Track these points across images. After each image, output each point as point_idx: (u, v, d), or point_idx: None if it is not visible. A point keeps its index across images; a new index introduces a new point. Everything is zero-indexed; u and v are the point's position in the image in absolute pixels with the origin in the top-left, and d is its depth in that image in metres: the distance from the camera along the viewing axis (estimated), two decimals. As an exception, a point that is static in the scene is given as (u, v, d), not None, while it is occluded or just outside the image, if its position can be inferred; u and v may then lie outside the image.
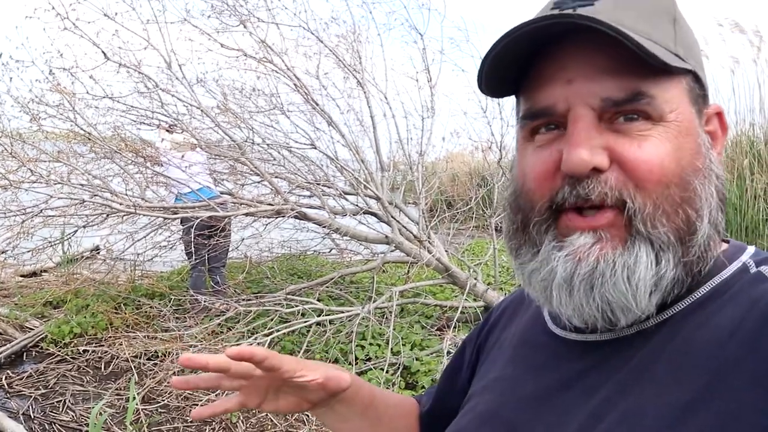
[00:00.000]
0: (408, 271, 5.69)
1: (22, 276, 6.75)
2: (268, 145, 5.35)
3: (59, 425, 3.61)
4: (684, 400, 0.53)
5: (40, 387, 4.07)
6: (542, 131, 0.63)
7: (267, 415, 3.70)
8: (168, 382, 3.99)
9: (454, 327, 4.55)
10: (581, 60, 0.59)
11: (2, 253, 6.79)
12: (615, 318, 0.59)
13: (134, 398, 3.56)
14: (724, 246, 0.66)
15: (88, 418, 3.46)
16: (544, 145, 0.62)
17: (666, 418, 0.53)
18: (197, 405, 3.75)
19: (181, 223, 5.42)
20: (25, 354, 4.64)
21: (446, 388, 0.93)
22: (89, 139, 5.08)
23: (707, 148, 0.62)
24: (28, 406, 3.80)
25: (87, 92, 4.91)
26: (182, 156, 5.23)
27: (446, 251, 5.27)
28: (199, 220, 4.70)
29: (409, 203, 6.57)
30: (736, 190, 6.31)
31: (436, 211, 6.80)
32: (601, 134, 0.58)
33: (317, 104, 5.19)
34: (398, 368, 4.12)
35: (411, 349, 4.43)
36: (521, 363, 0.74)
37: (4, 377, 4.16)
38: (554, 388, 0.66)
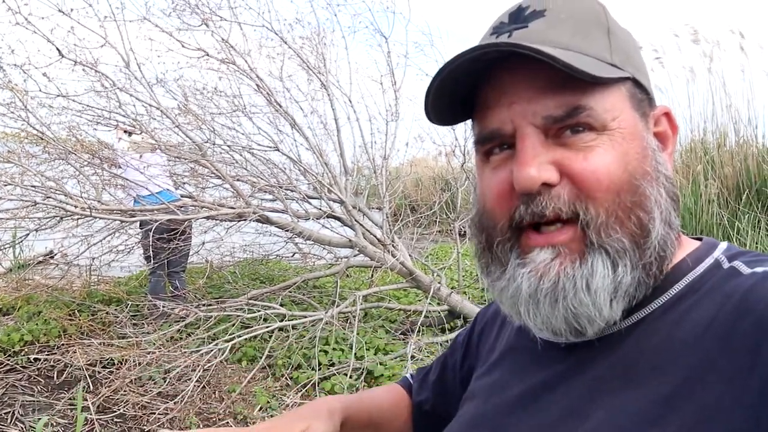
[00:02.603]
0: (372, 276, 5.65)
1: (-31, 282, 6.50)
2: (229, 147, 5.25)
3: (8, 437, 3.46)
4: (663, 395, 0.54)
5: (-12, 397, 3.90)
6: (496, 152, 0.65)
7: (228, 422, 3.61)
8: (124, 391, 3.87)
9: (418, 331, 4.53)
10: (520, 82, 0.61)
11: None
12: (581, 328, 0.61)
13: (82, 409, 3.44)
14: (697, 244, 0.67)
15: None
16: (499, 166, 0.65)
17: (647, 414, 0.54)
18: (154, 414, 3.64)
19: (140, 226, 5.28)
20: (-28, 363, 4.45)
21: (438, 384, 0.98)
22: (42, 139, 4.90)
23: (654, 150, 0.64)
24: (-25, 418, 3.64)
25: (40, 90, 4.75)
26: (140, 157, 5.10)
27: (410, 255, 5.25)
28: (158, 223, 4.58)
29: (372, 207, 6.54)
30: (692, 195, 6.45)
31: (400, 215, 6.79)
32: (548, 150, 0.60)
33: (280, 106, 5.12)
34: (362, 373, 4.08)
35: (375, 354, 4.40)
36: (508, 367, 0.76)
37: (-51, 387, 3.97)
38: (538, 390, 0.67)
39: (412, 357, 4.04)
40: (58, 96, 4.80)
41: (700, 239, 0.69)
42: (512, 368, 0.75)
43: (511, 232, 0.63)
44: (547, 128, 0.60)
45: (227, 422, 3.61)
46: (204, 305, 4.72)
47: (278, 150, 5.28)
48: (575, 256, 0.60)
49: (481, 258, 0.69)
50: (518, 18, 0.64)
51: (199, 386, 3.88)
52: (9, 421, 3.64)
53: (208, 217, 5.19)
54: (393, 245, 5.04)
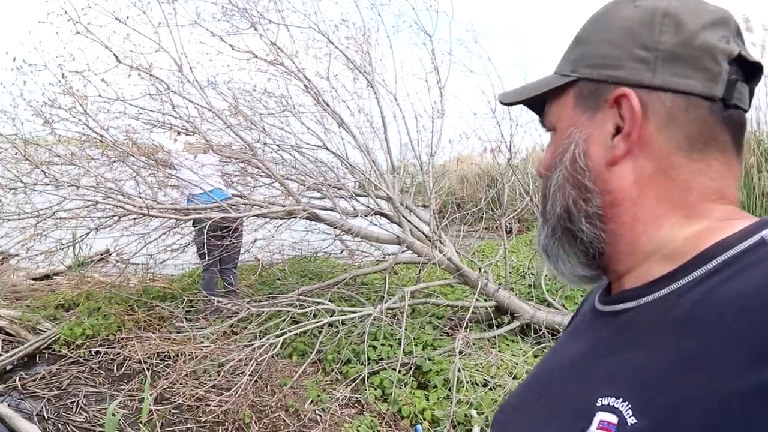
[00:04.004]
0: (419, 272, 5.68)
1: (34, 279, 6.78)
2: (278, 146, 5.36)
3: (73, 426, 3.63)
4: (685, 357, 0.57)
5: (53, 388, 4.09)
6: None
7: (280, 415, 3.70)
8: (181, 383, 4.01)
9: (466, 326, 4.54)
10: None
11: (15, 255, 6.85)
12: (559, 273, 0.79)
13: (148, 399, 3.58)
14: (747, 222, 0.68)
15: (101, 418, 3.48)
16: None
17: (669, 372, 0.58)
18: (210, 406, 3.76)
19: (193, 224, 5.44)
20: (38, 356, 4.66)
21: None
22: (101, 141, 5.10)
23: (582, 140, 0.73)
24: (42, 407, 3.82)
25: (99, 95, 4.94)
26: (194, 157, 5.25)
27: (457, 252, 5.26)
28: (211, 221, 4.71)
29: (419, 204, 6.56)
30: (744, 189, 6.27)
31: (447, 212, 6.79)
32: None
33: (327, 105, 5.20)
34: (410, 368, 4.12)
35: (423, 349, 4.43)
36: (570, 335, 0.85)
37: (17, 378, 4.18)
38: (584, 354, 0.74)
39: (460, 352, 4.06)
40: (115, 100, 4.98)
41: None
42: (572, 336, 0.84)
43: None
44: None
45: (279, 415, 3.71)
46: (255, 301, 4.83)
47: (326, 149, 5.36)
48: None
49: None
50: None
51: (251, 380, 3.98)
52: (74, 410, 3.82)
53: (259, 215, 5.30)
54: (440, 241, 5.07)
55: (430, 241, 4.97)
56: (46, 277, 6.97)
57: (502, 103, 0.84)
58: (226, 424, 3.62)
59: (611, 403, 0.61)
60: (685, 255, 0.66)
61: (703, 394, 0.54)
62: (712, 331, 0.57)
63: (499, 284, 5.06)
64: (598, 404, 0.62)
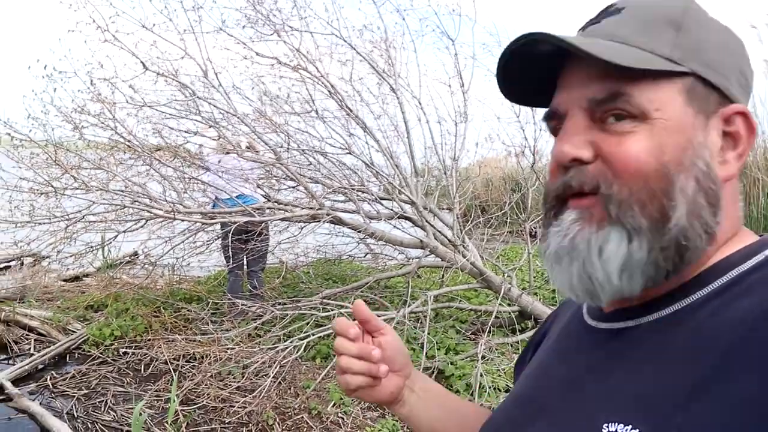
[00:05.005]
0: (442, 276, 5.68)
1: (64, 280, 6.92)
2: (303, 150, 5.41)
3: (101, 425, 3.70)
4: (692, 382, 0.56)
5: (83, 387, 4.18)
6: (558, 134, 0.71)
7: (303, 417, 3.73)
8: (206, 384, 4.06)
9: (489, 331, 4.53)
10: (578, 70, 0.68)
11: (47, 257, 7.00)
12: (594, 292, 0.65)
13: (174, 400, 3.64)
14: (752, 239, 0.68)
15: (129, 418, 3.55)
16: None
17: (678, 396, 0.56)
18: (234, 407, 3.80)
19: (221, 227, 5.51)
20: (68, 356, 4.77)
21: None
22: (129, 147, 5.20)
23: (700, 145, 0.65)
24: (72, 406, 3.91)
25: (126, 101, 5.04)
26: (219, 162, 5.32)
27: (481, 256, 5.26)
28: (236, 225, 4.78)
29: (443, 208, 6.57)
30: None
31: (470, 216, 6.78)
32: (590, 132, 0.66)
33: (351, 110, 5.23)
34: (433, 372, 4.13)
35: (446, 354, 4.43)
36: (557, 352, 0.80)
37: (48, 378, 4.28)
38: (580, 372, 0.70)
39: (483, 357, 4.06)
40: (142, 106, 5.07)
41: (761, 236, 0.70)
42: (560, 352, 0.79)
43: (556, 201, 0.69)
44: (593, 111, 0.65)
45: (302, 417, 3.74)
46: (280, 304, 4.88)
47: (350, 152, 5.39)
48: (594, 222, 0.64)
49: (542, 228, 0.75)
50: (601, 14, 0.70)
51: (275, 382, 4.02)
52: (102, 409, 3.90)
53: (283, 219, 5.36)
54: (463, 246, 5.07)
55: (453, 245, 4.97)
56: (76, 278, 7.11)
57: (564, 46, 0.64)
58: (250, 425, 3.66)
59: (619, 430, 0.59)
60: (687, 272, 0.65)
61: (725, 417, 0.52)
62: (727, 352, 0.55)
63: (522, 289, 5.05)
64: (604, 430, 0.60)
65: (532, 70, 0.71)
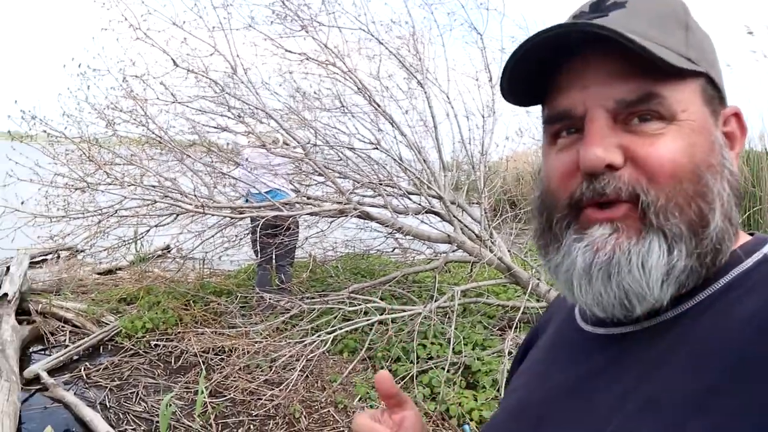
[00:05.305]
0: (471, 271, 5.66)
1: (99, 273, 7.06)
2: (331, 145, 5.43)
3: (133, 415, 3.78)
4: (704, 386, 0.54)
5: (115, 378, 4.27)
6: (563, 135, 0.67)
7: (329, 410, 3.76)
8: (234, 377, 4.12)
9: (516, 327, 4.50)
10: (596, 67, 0.64)
11: (82, 251, 7.17)
12: (631, 306, 0.62)
13: (203, 392, 3.70)
14: (747, 238, 0.67)
15: (159, 409, 3.61)
16: (565, 148, 0.67)
17: (689, 401, 0.55)
18: (261, 400, 3.85)
19: (251, 222, 5.57)
20: (101, 347, 4.87)
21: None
22: (160, 142, 5.29)
23: (721, 146, 0.65)
24: (105, 396, 4.00)
25: (158, 98, 5.12)
26: (246, 159, 5.38)
27: (509, 251, 5.22)
28: (264, 220, 4.82)
29: (473, 203, 6.53)
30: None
31: (500, 210, 6.74)
32: (616, 134, 0.62)
33: (379, 105, 5.23)
34: (459, 368, 4.12)
35: (472, 349, 4.42)
36: (552, 359, 0.77)
37: (82, 368, 4.38)
38: (581, 380, 0.68)
39: (509, 353, 4.03)
40: (173, 102, 5.15)
41: (752, 234, 0.69)
42: (555, 360, 0.76)
43: (570, 210, 0.65)
44: (617, 113, 0.62)
45: (328, 410, 3.77)
46: (307, 298, 4.92)
47: (378, 148, 5.40)
48: (632, 233, 0.61)
49: (540, 238, 0.70)
50: (599, 8, 0.66)
51: (302, 375, 4.06)
52: (134, 400, 3.98)
53: (311, 214, 5.39)
54: (491, 240, 5.04)
55: (480, 240, 4.95)
56: (110, 272, 7.25)
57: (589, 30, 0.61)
58: (277, 418, 3.71)
59: None
60: None
61: (739, 423, 0.51)
62: (737, 355, 0.54)
63: (551, 285, 5.00)
64: None
65: (524, 69, 0.67)
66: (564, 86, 0.66)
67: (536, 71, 0.67)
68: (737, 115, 0.69)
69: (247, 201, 5.47)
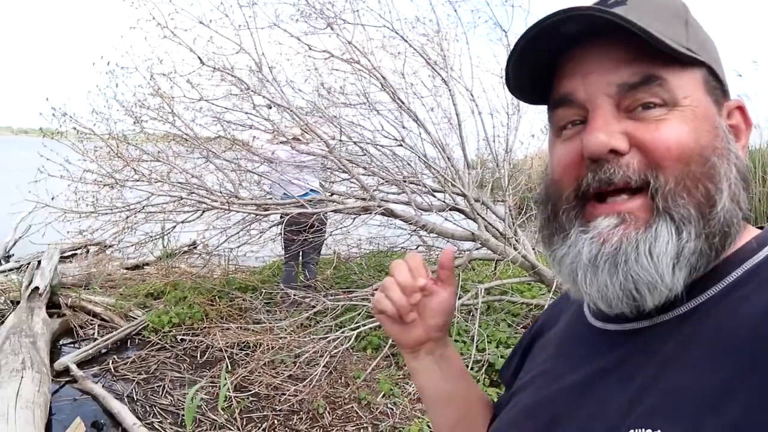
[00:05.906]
0: (494, 269, 5.64)
1: (126, 268, 7.17)
2: (355, 142, 5.44)
3: (159, 408, 3.84)
4: (722, 380, 0.54)
5: (142, 372, 4.34)
6: (568, 127, 0.68)
7: (353, 406, 3.78)
8: (258, 372, 4.16)
9: (541, 325, 4.46)
10: (597, 55, 0.65)
11: (110, 246, 7.28)
12: (640, 297, 0.61)
13: (225, 385, 3.74)
14: (758, 231, 0.67)
15: (185, 402, 3.66)
16: (569, 138, 0.67)
17: (706, 398, 0.54)
18: (285, 395, 3.88)
19: (280, 217, 5.60)
20: (129, 341, 4.96)
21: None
22: (186, 140, 5.35)
23: (725, 133, 0.65)
24: (132, 389, 4.06)
25: (184, 96, 5.18)
26: (272, 153, 5.40)
27: (533, 249, 5.19)
28: (289, 217, 4.85)
29: (498, 201, 6.50)
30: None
31: (524, 208, 6.70)
32: (620, 121, 0.63)
33: (403, 103, 5.23)
34: (483, 365, 4.11)
35: (496, 347, 4.40)
36: (562, 357, 0.76)
37: (110, 362, 4.46)
38: (594, 377, 0.67)
39: (533, 351, 4.01)
40: (199, 100, 5.20)
41: (762, 227, 0.68)
42: (565, 358, 0.75)
43: (577, 201, 0.65)
44: (621, 98, 0.63)
45: (352, 406, 3.79)
46: (332, 295, 4.94)
47: (402, 145, 5.39)
48: (640, 224, 0.61)
49: (545, 229, 0.70)
50: (601, 4, 0.66)
51: (326, 371, 4.08)
52: (160, 393, 4.04)
53: (335, 211, 5.41)
54: (515, 238, 5.01)
55: (504, 238, 4.93)
56: (138, 267, 7.36)
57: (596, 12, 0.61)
58: (301, 413, 3.73)
59: None
60: None
61: (759, 419, 0.50)
62: (753, 349, 0.53)
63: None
64: None
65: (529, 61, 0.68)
66: (566, 73, 0.67)
67: (544, 67, 0.69)
68: (741, 108, 0.69)
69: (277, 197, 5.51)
